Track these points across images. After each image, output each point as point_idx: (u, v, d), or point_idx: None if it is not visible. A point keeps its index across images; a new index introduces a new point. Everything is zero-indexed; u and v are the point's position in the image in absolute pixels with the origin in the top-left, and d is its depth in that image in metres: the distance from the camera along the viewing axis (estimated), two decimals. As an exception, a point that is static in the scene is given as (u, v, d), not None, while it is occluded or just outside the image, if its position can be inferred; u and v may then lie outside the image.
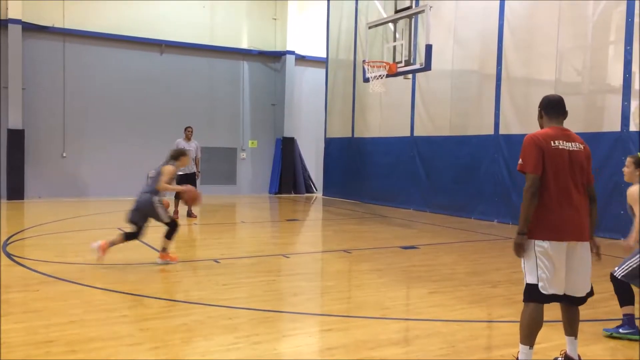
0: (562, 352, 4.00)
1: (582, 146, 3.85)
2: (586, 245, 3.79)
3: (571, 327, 3.92)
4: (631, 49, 9.94)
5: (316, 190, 20.27)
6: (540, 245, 3.68)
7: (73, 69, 16.74)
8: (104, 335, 4.51)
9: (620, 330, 4.66)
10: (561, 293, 3.72)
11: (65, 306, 5.34)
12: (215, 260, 7.78)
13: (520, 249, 3.72)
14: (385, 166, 16.16)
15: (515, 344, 4.48)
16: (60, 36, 16.50)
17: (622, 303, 4.67)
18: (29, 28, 15.93)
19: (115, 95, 17.27)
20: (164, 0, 17.77)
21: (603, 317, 5.25)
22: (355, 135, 17.63)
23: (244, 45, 19.37)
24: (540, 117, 3.97)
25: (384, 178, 16.19)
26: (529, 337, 3.72)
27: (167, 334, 4.55)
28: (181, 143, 12.47)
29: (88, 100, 16.94)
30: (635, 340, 4.55)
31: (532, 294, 3.71)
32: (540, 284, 3.67)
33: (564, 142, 3.77)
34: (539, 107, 3.99)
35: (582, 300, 3.85)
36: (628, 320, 4.64)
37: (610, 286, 4.69)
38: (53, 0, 16.28)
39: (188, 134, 12.52)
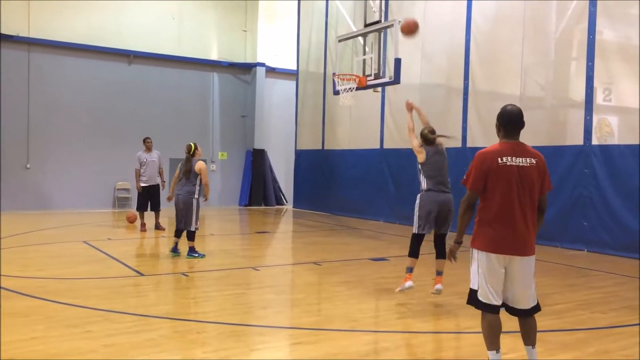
0: None
1: (534, 160, 3.88)
2: (528, 259, 3.86)
3: (528, 337, 3.98)
4: (593, 65, 10.25)
5: (286, 202, 20.22)
6: (479, 255, 3.90)
7: (38, 79, 16.42)
8: (66, 351, 4.40)
9: None
10: (495, 303, 3.85)
11: (27, 322, 5.20)
12: (184, 274, 7.68)
13: (452, 256, 4.15)
14: (354, 178, 16.23)
15: (481, 354, 4.55)
16: (25, 45, 16.18)
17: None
18: (-7, 37, 15.61)
19: (82, 106, 16.98)
20: (133, 10, 17.63)
21: (568, 327, 5.35)
22: (325, 148, 17.69)
23: (214, 56, 19.31)
24: (498, 130, 4.05)
25: (353, 190, 16.26)
26: (491, 342, 3.89)
27: (132, 350, 4.47)
28: (142, 155, 12.24)
29: (53, 111, 16.62)
30: None
31: (472, 299, 3.94)
32: (479, 291, 3.89)
33: (514, 157, 3.85)
34: (497, 120, 4.06)
35: (526, 312, 3.92)
36: None
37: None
38: (18, 8, 15.99)
39: (148, 145, 12.32)
